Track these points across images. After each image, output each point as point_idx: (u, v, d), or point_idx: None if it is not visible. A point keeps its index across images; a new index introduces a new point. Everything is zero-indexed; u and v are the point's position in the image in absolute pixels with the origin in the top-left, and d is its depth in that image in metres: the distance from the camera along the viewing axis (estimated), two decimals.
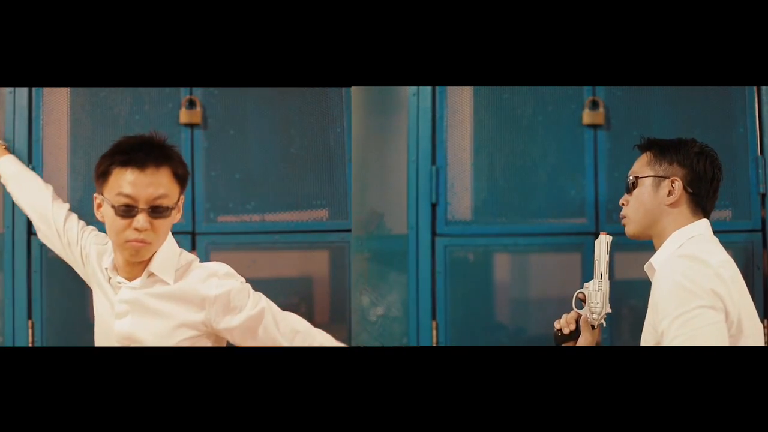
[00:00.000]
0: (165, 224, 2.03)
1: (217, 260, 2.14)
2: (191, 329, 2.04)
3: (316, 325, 2.16)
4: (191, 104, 2.68)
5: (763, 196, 2.67)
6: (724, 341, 1.88)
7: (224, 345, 2.14)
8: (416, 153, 2.72)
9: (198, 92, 2.69)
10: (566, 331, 2.17)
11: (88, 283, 2.26)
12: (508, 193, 2.73)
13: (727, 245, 2.08)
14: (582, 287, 2.16)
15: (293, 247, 2.73)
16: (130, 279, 2.07)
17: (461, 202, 2.73)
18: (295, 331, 2.10)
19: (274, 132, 2.74)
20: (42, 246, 2.48)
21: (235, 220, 2.72)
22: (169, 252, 2.07)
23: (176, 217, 2.07)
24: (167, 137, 2.09)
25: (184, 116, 2.68)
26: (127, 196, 1.98)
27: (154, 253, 2.04)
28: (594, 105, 2.69)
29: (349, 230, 2.72)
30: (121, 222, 1.98)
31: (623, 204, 2.16)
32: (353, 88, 2.71)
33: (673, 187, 2.08)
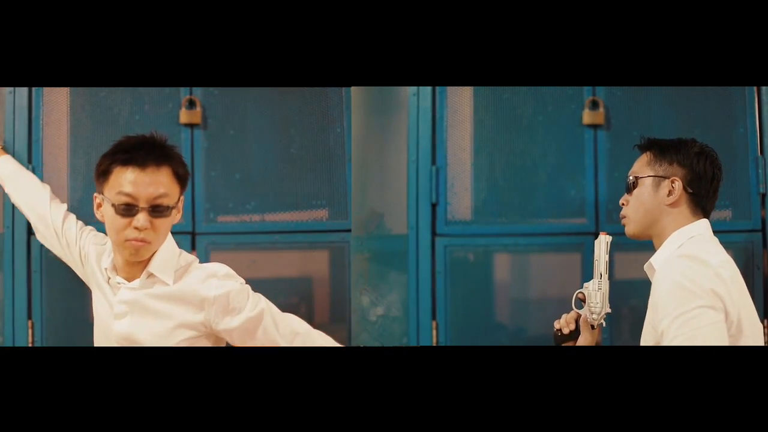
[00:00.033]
0: (165, 224, 2.03)
1: (217, 260, 2.14)
2: (190, 330, 2.04)
3: (316, 325, 2.16)
4: (191, 104, 2.68)
5: (763, 196, 2.67)
6: (723, 341, 1.88)
7: (223, 346, 2.14)
8: (416, 153, 2.72)
9: (198, 92, 2.69)
10: (566, 331, 2.17)
11: (87, 283, 2.26)
12: (508, 193, 2.73)
13: (727, 245, 2.08)
14: (582, 287, 2.16)
15: (293, 247, 2.73)
16: (129, 279, 2.07)
17: (461, 202, 2.73)
18: (294, 332, 2.09)
19: (274, 132, 2.74)
20: (42, 246, 2.48)
21: (235, 220, 2.72)
22: (168, 252, 2.07)
23: (176, 217, 2.07)
24: (168, 137, 2.09)
25: (184, 116, 2.68)
26: (128, 195, 1.98)
27: (153, 254, 2.04)
28: (594, 105, 2.69)
29: (349, 230, 2.72)
30: (122, 221, 1.99)
31: (623, 204, 2.16)
32: (353, 88, 2.71)
33: (673, 187, 2.08)
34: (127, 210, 1.98)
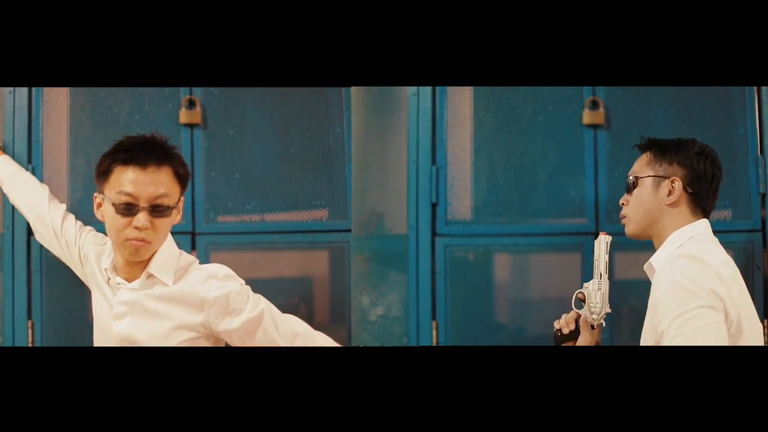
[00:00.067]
0: (165, 224, 2.03)
1: (217, 260, 2.14)
2: (190, 331, 2.03)
3: (316, 325, 2.16)
4: (191, 104, 2.68)
5: (763, 196, 2.67)
6: (723, 341, 1.88)
7: (223, 346, 2.14)
8: (416, 153, 2.72)
9: (198, 92, 2.69)
10: (566, 331, 2.17)
11: (86, 283, 2.26)
12: (508, 193, 2.72)
13: (727, 245, 2.08)
14: (582, 287, 2.16)
15: (293, 247, 2.73)
16: (129, 280, 2.06)
17: (461, 202, 2.73)
18: (294, 333, 2.09)
19: (274, 132, 2.73)
20: (42, 246, 2.48)
21: (235, 220, 2.72)
22: (168, 253, 2.07)
23: (176, 217, 2.07)
24: (169, 137, 2.09)
25: (184, 116, 2.68)
26: (128, 194, 1.98)
27: (153, 255, 2.04)
28: (594, 105, 2.69)
29: (349, 230, 2.72)
30: (122, 220, 1.99)
31: (623, 204, 2.16)
32: (353, 88, 2.71)
33: (673, 187, 2.08)
34: (128, 209, 1.98)
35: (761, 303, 2.62)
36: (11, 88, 2.65)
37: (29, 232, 2.60)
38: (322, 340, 2.14)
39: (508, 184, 2.72)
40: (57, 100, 2.67)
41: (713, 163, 2.11)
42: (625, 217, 2.15)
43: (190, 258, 2.12)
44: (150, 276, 2.05)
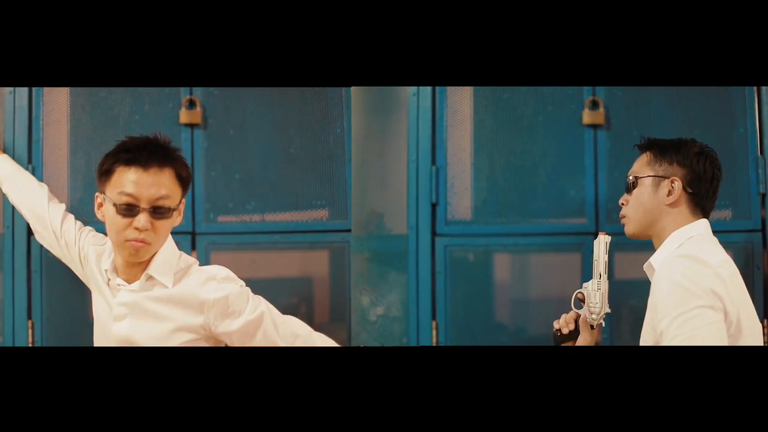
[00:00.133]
0: (165, 225, 2.02)
1: (217, 260, 2.14)
2: (190, 333, 2.03)
3: (316, 325, 2.16)
4: (191, 104, 2.68)
5: (763, 196, 2.67)
6: (723, 341, 1.88)
7: (222, 346, 2.13)
8: (416, 153, 2.72)
9: (198, 92, 2.69)
10: (565, 331, 2.17)
11: (86, 284, 2.26)
12: (508, 193, 2.72)
13: (727, 245, 2.08)
14: (581, 287, 2.17)
15: (293, 247, 2.73)
16: (129, 281, 2.06)
17: (461, 202, 2.73)
18: (295, 335, 2.09)
19: (274, 132, 2.73)
20: (42, 246, 2.48)
21: (235, 220, 2.72)
22: (168, 255, 2.06)
23: (177, 219, 2.07)
24: (171, 139, 2.09)
25: (184, 116, 2.68)
26: (130, 195, 1.98)
27: (153, 256, 2.04)
28: (594, 105, 2.69)
29: (349, 230, 2.72)
30: (122, 221, 1.98)
31: (623, 204, 2.16)
32: (353, 88, 2.71)
33: (672, 187, 2.08)
34: (129, 210, 1.98)
35: (761, 303, 2.62)
36: (11, 88, 2.65)
37: (29, 232, 2.60)
38: (322, 341, 2.14)
39: (508, 184, 2.72)
40: (57, 100, 2.67)
41: (713, 163, 2.11)
42: (624, 217, 2.15)
43: (191, 260, 2.11)
44: (150, 277, 2.04)
